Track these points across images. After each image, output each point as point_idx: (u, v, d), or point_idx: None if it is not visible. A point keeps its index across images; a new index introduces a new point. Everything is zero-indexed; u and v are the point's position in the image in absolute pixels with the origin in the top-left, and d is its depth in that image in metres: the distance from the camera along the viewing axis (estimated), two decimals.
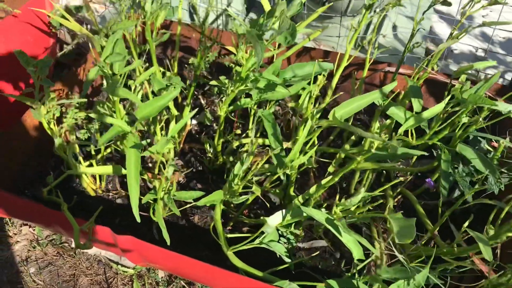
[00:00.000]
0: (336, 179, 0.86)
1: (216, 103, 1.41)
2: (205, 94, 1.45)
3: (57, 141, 0.89)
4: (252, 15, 1.78)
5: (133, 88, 0.97)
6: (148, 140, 1.14)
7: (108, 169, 0.96)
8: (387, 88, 0.88)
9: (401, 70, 1.31)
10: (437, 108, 0.84)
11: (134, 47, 1.03)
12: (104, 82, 0.85)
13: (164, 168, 0.97)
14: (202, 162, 1.25)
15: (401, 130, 0.85)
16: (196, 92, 1.44)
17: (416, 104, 0.97)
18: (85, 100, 1.04)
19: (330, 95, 1.17)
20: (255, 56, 0.77)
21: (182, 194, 0.91)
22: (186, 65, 1.53)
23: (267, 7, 1.05)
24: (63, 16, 1.78)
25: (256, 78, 0.96)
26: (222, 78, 1.00)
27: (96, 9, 1.86)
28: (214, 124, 1.35)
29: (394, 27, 1.70)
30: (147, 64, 1.19)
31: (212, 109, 1.40)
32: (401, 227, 0.74)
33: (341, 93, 1.28)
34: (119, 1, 0.99)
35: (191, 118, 1.33)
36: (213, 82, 1.02)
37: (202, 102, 1.42)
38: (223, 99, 1.03)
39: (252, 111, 1.15)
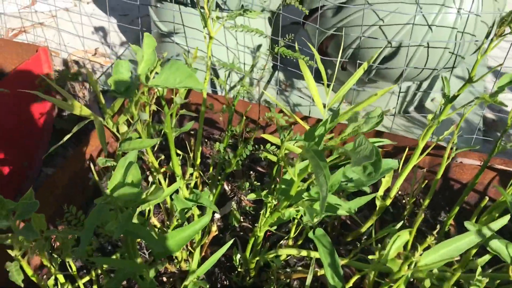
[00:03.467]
0: None
1: (243, 192, 1.17)
2: (229, 178, 1.21)
3: None
4: (281, 75, 1.56)
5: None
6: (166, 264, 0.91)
7: None
8: (496, 226, 0.64)
9: (471, 161, 1.07)
10: None
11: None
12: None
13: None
14: (228, 275, 1.00)
15: None
16: (219, 176, 1.20)
17: None
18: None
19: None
20: (316, 185, 0.54)
21: None
22: (206, 140, 1.30)
23: (315, 93, 0.82)
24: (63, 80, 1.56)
25: (311, 198, 0.72)
26: (263, 193, 0.77)
27: (101, 64, 1.65)
28: (241, 218, 1.11)
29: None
30: (161, 156, 0.96)
31: (238, 199, 1.16)
32: None
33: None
34: None
35: (214, 212, 1.10)
36: (251, 196, 0.79)
37: (226, 188, 1.19)
38: (262, 214, 0.80)
39: (296, 220, 0.92)
